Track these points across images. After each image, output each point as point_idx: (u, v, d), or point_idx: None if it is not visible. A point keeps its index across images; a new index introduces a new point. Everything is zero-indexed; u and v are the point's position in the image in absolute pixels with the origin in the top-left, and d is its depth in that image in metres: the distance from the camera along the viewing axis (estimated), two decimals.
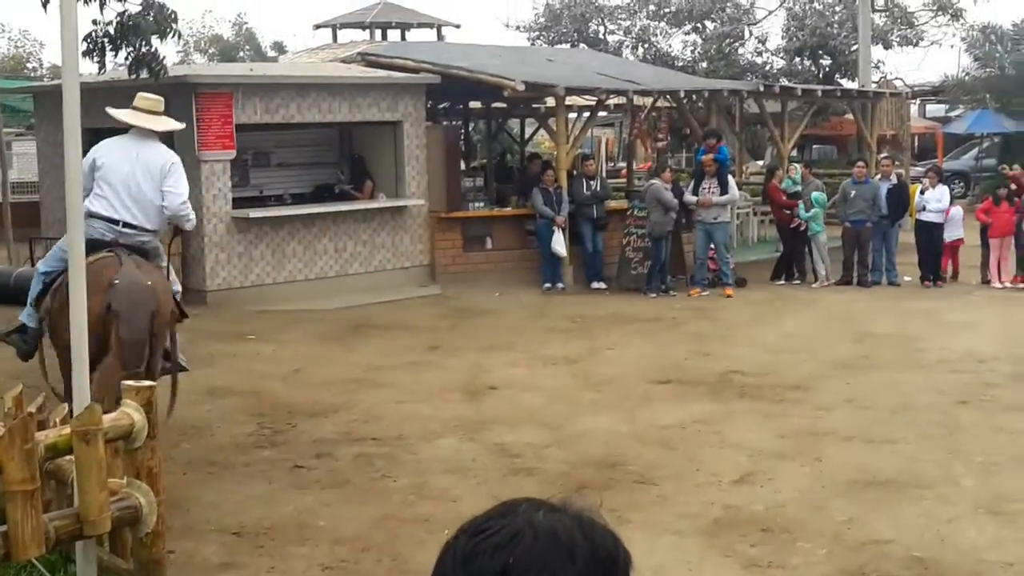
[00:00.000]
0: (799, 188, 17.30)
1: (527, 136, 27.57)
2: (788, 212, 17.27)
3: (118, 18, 9.74)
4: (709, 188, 16.33)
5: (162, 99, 8.18)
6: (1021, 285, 16.44)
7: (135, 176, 7.62)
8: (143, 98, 7.96)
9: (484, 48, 20.59)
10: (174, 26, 10.01)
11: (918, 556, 6.24)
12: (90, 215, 7.17)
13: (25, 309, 7.81)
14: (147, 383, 5.02)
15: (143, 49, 9.99)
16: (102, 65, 10.15)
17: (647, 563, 6.04)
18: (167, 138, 14.52)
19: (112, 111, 7.95)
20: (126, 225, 7.56)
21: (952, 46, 34.80)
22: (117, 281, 6.99)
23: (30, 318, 7.75)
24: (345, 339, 12.68)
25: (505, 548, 1.40)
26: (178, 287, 8.24)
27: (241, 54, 49.96)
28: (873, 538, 6.51)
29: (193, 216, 8.13)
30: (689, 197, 16.41)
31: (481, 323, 13.74)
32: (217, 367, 11.08)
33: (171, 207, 7.71)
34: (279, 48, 50.00)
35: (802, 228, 16.98)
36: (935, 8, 31.89)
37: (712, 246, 16.34)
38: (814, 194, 17.00)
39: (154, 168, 7.69)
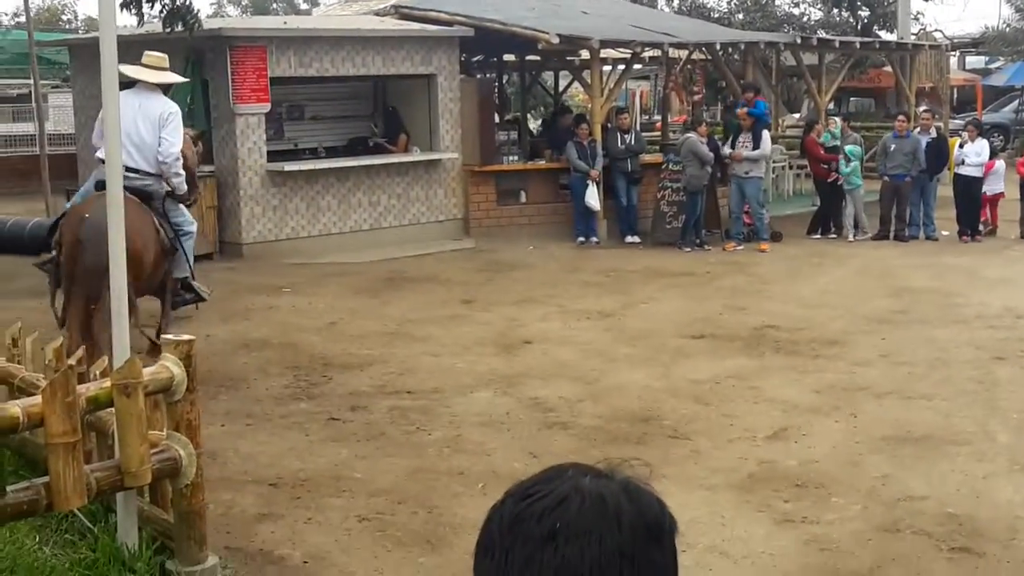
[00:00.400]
0: (837, 142, 17.12)
1: (561, 89, 27.41)
2: (825, 166, 17.12)
3: None
4: (743, 142, 16.22)
5: (166, 56, 8.96)
6: None
7: (136, 123, 8.31)
8: (149, 55, 8.77)
9: (518, 0, 20.44)
10: None
11: (953, 512, 6.23)
12: (100, 161, 7.82)
13: None
14: (187, 336, 5.06)
15: (178, 2, 10.01)
16: (140, 17, 10.22)
17: (681, 518, 6.01)
18: (202, 92, 14.63)
19: (120, 67, 8.28)
20: (128, 169, 8.02)
21: None
22: (88, 215, 7.69)
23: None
24: (379, 292, 12.73)
25: (552, 513, 1.40)
26: (192, 228, 9.03)
27: (275, 6, 49.86)
28: (908, 494, 6.50)
29: (183, 175, 8.70)
30: (727, 150, 16.32)
31: (515, 277, 13.75)
32: (253, 320, 11.16)
33: (163, 153, 8.43)
34: (312, 0, 49.87)
35: (840, 182, 16.84)
36: None
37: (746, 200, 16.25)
38: (848, 147, 16.84)
39: (153, 115, 8.42)
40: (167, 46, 14.72)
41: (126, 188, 7.76)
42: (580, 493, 1.42)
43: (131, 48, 14.32)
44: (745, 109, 16.51)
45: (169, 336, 5.17)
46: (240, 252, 14.73)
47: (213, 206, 14.75)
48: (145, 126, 8.32)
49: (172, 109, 8.46)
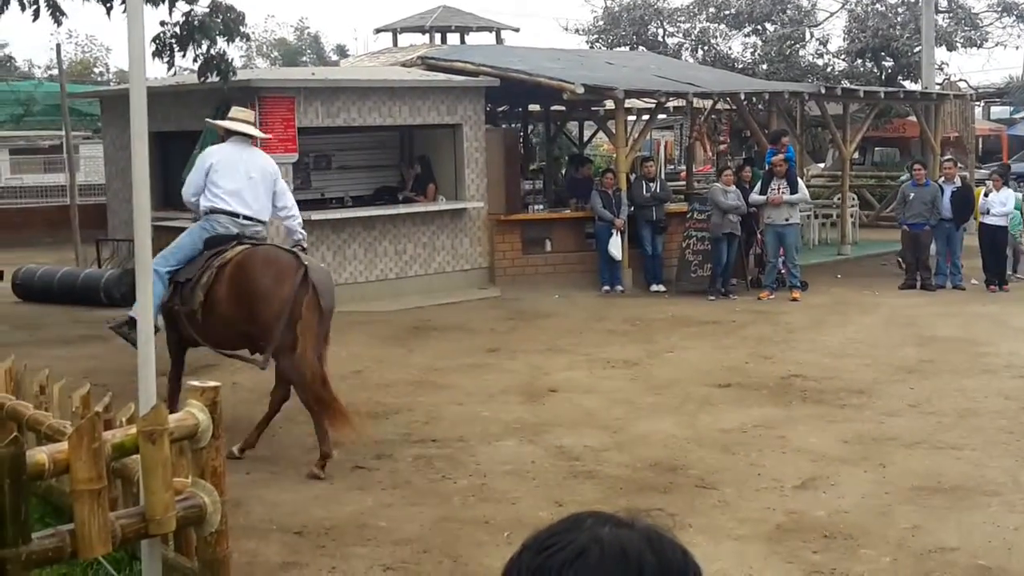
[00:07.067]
0: None
1: (586, 139, 27.51)
2: None
3: (184, 18, 9.85)
4: (779, 189, 16.11)
5: (253, 112, 9.33)
6: None
7: (247, 175, 8.33)
8: (239, 111, 8.77)
9: (543, 51, 20.59)
10: (241, 28, 10.11)
11: (984, 564, 6.14)
12: (213, 211, 8.17)
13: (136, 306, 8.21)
14: (212, 383, 5.07)
15: (211, 51, 10.11)
16: (171, 65, 10.30)
17: (708, 569, 5.97)
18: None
19: (217, 122, 8.92)
20: (246, 218, 8.29)
21: (1017, 47, 34.18)
22: (307, 262, 7.92)
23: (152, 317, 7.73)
24: (405, 341, 12.73)
25: (571, 566, 1.35)
26: None
27: (304, 58, 50.41)
28: (938, 546, 6.41)
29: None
30: (756, 197, 16.18)
31: (540, 325, 13.74)
32: None
33: (296, 217, 8.66)
34: (342, 52, 50.40)
35: None
36: (1000, 9, 31.39)
37: (782, 248, 16.16)
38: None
39: (263, 169, 8.47)
40: (197, 97, 14.96)
41: (245, 236, 8.19)
42: (599, 544, 1.37)
43: (162, 99, 14.51)
44: (780, 156, 16.37)
45: (195, 382, 5.18)
46: None
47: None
48: (257, 177, 8.36)
49: (276, 167, 8.65)
